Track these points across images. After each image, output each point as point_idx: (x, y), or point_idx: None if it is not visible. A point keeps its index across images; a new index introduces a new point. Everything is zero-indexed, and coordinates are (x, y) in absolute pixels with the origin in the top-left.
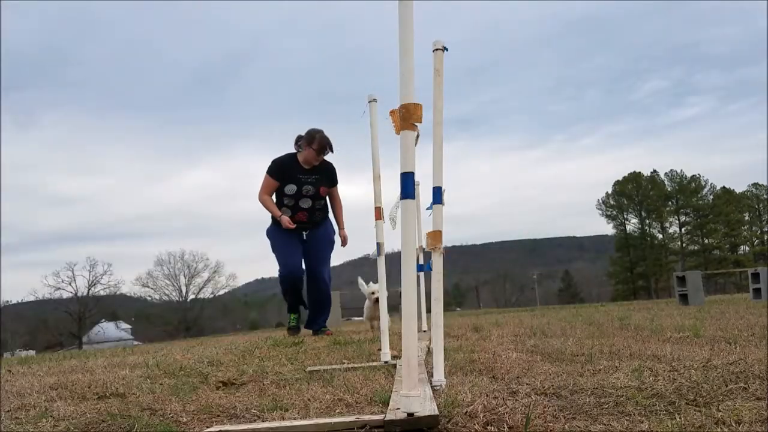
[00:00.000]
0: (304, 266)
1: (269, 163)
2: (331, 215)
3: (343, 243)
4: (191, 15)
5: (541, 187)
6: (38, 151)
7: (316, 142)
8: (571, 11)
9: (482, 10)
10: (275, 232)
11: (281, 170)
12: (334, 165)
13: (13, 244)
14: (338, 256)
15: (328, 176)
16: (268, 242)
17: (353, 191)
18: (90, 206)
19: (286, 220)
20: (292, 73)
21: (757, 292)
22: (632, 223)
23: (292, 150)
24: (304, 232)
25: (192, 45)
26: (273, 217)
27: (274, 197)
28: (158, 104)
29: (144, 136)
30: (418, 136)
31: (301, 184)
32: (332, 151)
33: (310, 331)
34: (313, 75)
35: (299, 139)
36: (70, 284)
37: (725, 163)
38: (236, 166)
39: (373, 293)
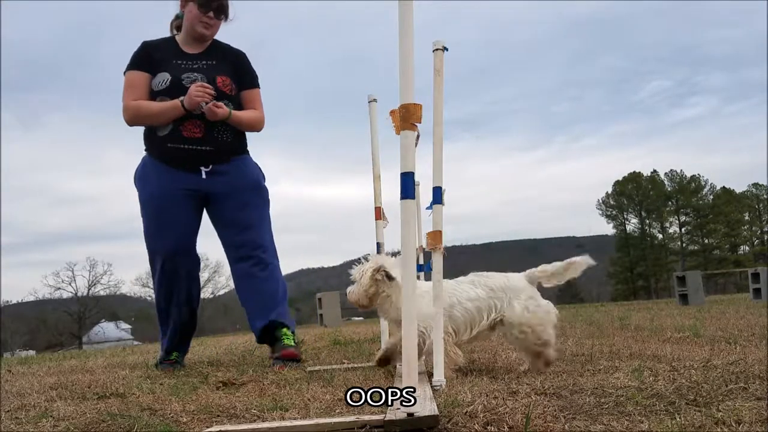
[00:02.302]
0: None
1: None
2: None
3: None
4: None
5: (542, 187)
6: (40, 152)
7: None
8: (574, 12)
9: (485, 10)
10: (147, 177)
11: (148, 54)
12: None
13: (13, 244)
14: (338, 256)
15: (232, 65)
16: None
17: (353, 191)
18: (91, 206)
19: (194, 92)
20: (293, 73)
21: (757, 292)
22: (632, 223)
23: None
24: (203, 169)
25: None
26: (147, 147)
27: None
28: None
29: None
30: (418, 136)
31: (181, 72)
32: (226, 16)
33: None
34: (314, 75)
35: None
36: (70, 284)
37: (725, 163)
38: None
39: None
